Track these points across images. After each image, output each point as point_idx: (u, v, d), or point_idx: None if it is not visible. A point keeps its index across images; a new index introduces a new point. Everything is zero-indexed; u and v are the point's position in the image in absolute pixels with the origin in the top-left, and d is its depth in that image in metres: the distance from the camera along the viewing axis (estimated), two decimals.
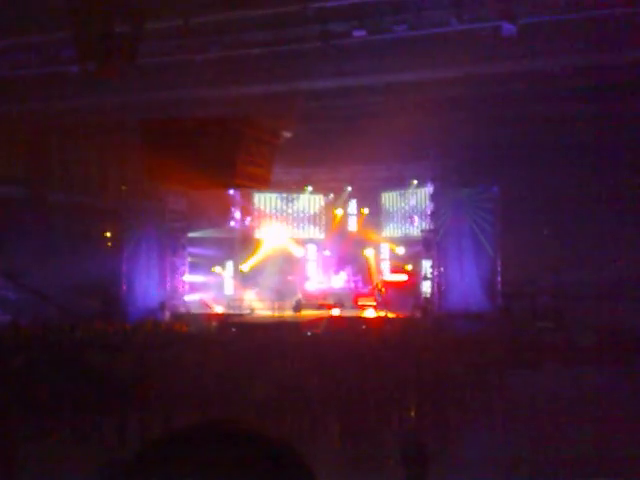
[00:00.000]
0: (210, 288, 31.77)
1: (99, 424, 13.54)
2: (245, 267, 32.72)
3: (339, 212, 33.82)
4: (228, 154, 18.01)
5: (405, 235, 32.15)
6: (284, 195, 33.63)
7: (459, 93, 21.31)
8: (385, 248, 33.25)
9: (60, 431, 12.55)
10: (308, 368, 15.32)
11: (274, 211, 33.96)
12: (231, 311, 29.53)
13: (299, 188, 33.34)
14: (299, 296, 30.61)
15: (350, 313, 28.89)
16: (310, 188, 33.22)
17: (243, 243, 33.37)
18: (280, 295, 29.98)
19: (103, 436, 13.13)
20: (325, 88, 21.33)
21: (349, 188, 33.28)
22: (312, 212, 34.29)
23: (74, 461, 11.25)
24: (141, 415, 13.69)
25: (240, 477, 1.01)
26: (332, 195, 33.92)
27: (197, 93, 21.20)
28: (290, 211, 34.14)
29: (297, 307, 29.35)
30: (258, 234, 33.60)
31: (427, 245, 28.99)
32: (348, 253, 33.49)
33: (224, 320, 27.07)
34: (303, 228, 34.37)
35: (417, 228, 30.91)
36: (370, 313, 28.51)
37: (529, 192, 25.74)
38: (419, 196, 31.06)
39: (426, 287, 29.17)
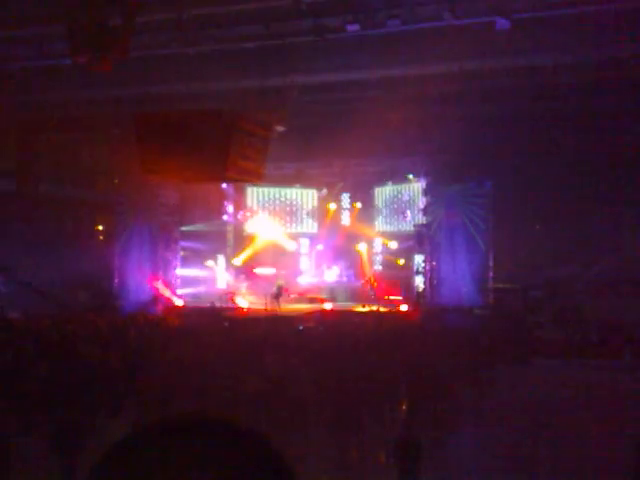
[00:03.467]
0: (202, 282, 31.76)
1: (91, 417, 13.54)
2: (237, 261, 32.72)
3: (332, 206, 33.81)
4: (221, 148, 17.95)
5: (398, 230, 32.17)
6: (277, 189, 33.60)
7: (452, 88, 21.31)
8: (378, 242, 33.28)
9: (51, 425, 12.51)
10: (299, 362, 15.33)
11: (267, 205, 33.95)
12: (223, 305, 29.51)
13: (292, 182, 33.31)
14: (281, 282, 30.02)
15: (342, 307, 28.91)
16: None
17: (236, 237, 33.36)
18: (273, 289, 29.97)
19: (94, 430, 13.12)
20: (318, 82, 21.31)
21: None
22: (305, 206, 34.29)
23: (66, 455, 11.24)
24: (133, 408, 13.69)
25: (213, 470, 1.01)
26: (325, 190, 33.90)
27: (190, 86, 21.15)
28: (283, 205, 34.14)
29: (277, 294, 28.87)
30: (251, 228, 33.58)
31: (420, 240, 29.05)
32: (341, 247, 33.51)
33: (216, 314, 27.04)
34: (296, 222, 34.36)
35: (410, 223, 30.95)
36: (361, 307, 28.53)
37: (521, 187, 25.78)
38: (412, 191, 31.09)
39: (418, 281, 29.24)
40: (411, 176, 30.36)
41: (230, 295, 30.42)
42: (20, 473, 10.77)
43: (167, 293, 29.85)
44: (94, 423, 12.33)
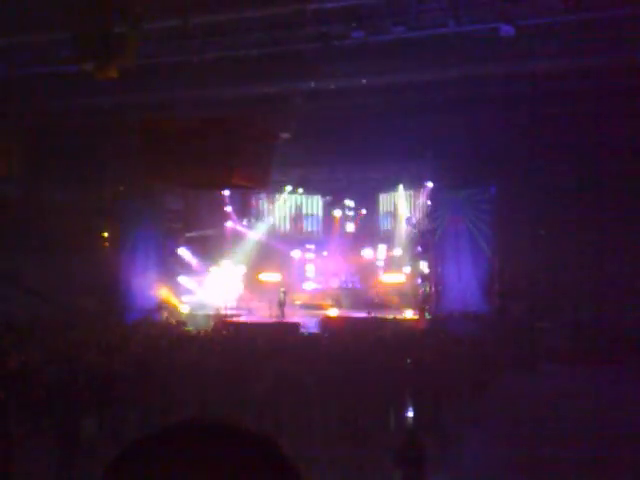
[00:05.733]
0: (207, 288, 31.75)
1: (96, 423, 13.59)
2: (242, 268, 32.70)
3: (337, 213, 33.81)
4: (226, 154, 17.98)
5: (402, 236, 32.15)
6: (282, 195, 33.62)
7: (457, 94, 21.34)
8: (383, 248, 33.25)
9: (57, 431, 12.55)
10: (304, 368, 15.33)
11: (272, 211, 33.98)
12: (228, 311, 29.52)
13: (296, 189, 33.30)
14: (282, 290, 29.74)
15: (346, 313, 28.91)
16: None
17: (240, 244, 33.36)
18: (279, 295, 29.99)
19: (100, 435, 13.16)
20: (323, 89, 21.35)
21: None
22: (310, 213, 34.31)
23: (70, 460, 11.27)
24: (139, 414, 13.71)
25: (223, 472, 1.02)
26: (330, 196, 33.91)
27: (195, 94, 21.21)
28: (288, 211, 34.16)
29: (282, 302, 28.74)
30: (255, 234, 33.59)
31: (424, 246, 29.03)
32: (346, 253, 33.49)
33: (221, 320, 27.06)
34: (301, 228, 34.38)
35: (414, 228, 30.93)
36: (366, 313, 28.52)
37: (526, 193, 25.75)
38: (416, 197, 31.08)
39: (423, 287, 29.21)
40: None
41: (235, 302, 30.45)
42: (20, 474, 10.82)
43: (173, 300, 29.89)
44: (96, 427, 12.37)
